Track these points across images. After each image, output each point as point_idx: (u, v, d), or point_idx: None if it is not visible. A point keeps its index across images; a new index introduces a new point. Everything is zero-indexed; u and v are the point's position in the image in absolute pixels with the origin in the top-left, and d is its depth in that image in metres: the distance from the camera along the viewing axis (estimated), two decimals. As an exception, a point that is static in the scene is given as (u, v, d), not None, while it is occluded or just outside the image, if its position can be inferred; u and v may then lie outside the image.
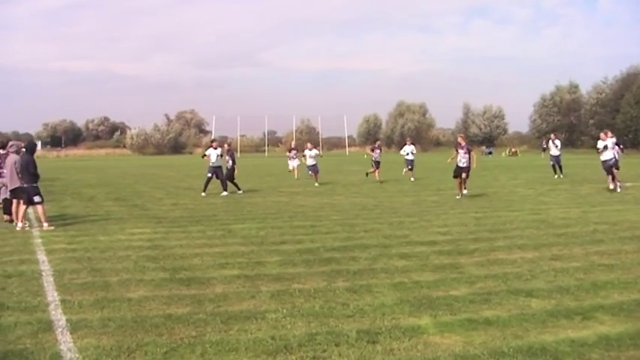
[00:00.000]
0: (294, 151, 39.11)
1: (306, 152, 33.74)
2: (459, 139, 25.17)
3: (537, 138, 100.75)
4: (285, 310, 8.58)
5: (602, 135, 28.29)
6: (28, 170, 16.60)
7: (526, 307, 8.65)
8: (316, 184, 31.28)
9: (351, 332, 7.56)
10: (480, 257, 12.22)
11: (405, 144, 36.74)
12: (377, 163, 33.48)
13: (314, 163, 32.99)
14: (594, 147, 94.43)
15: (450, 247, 13.24)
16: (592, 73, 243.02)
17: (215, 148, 27.48)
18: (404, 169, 36.53)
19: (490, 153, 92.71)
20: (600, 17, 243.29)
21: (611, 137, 28.28)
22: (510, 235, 14.80)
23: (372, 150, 34.58)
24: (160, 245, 13.88)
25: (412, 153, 35.55)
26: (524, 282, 10.13)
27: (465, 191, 24.24)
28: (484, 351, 6.87)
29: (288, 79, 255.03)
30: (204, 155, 28.17)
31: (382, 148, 38.06)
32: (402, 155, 37.01)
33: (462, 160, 24.14)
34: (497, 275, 10.60)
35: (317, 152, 34.19)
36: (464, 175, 24.09)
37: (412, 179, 34.13)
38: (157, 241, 14.51)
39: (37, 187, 16.76)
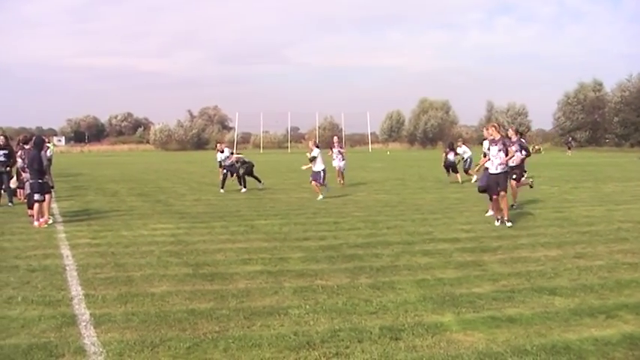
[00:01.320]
0: (337, 148, 29.38)
1: (314, 153, 23.79)
2: (491, 130, 16.53)
3: (561, 135, 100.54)
4: (307, 306, 8.60)
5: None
6: (33, 166, 16.56)
7: (549, 306, 8.61)
8: (320, 198, 22.93)
9: (373, 329, 7.57)
10: (504, 255, 12.17)
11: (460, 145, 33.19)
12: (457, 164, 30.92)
13: (319, 169, 23.57)
14: (618, 145, 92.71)
15: (474, 245, 13.19)
16: (616, 70, 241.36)
17: (222, 151, 27.03)
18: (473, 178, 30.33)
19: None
20: (625, 14, 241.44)
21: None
22: (534, 232, 14.72)
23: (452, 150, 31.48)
24: (183, 241, 13.95)
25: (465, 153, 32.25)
26: (548, 280, 10.08)
27: (505, 219, 15.85)
28: (507, 349, 6.86)
29: (310, 76, 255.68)
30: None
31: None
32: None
33: (494, 162, 16.00)
34: (521, 273, 10.55)
35: (318, 151, 23.78)
36: (498, 188, 15.84)
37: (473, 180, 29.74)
38: (180, 236, 14.58)
39: (41, 184, 16.59)
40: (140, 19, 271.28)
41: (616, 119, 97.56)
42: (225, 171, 26.71)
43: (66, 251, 12.77)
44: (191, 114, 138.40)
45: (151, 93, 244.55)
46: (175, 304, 8.76)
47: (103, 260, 11.80)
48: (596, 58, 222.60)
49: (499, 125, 17.31)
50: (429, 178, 32.67)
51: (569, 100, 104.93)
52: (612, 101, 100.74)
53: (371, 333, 7.42)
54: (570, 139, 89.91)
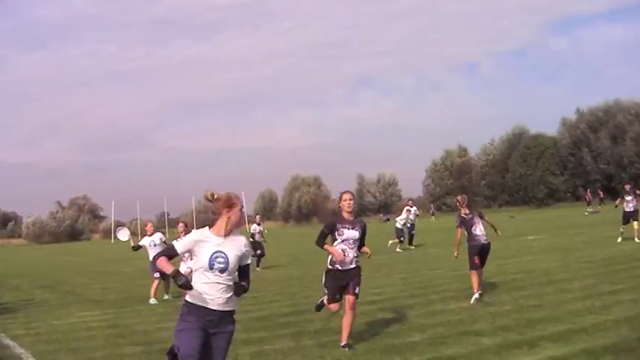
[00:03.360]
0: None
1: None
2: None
3: (431, 202, 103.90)
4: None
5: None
6: None
7: (479, 344, 9.93)
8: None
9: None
10: (421, 310, 13.43)
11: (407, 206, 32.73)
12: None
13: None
14: (487, 206, 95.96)
15: (391, 304, 14.38)
16: (478, 135, 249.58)
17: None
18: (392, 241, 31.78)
19: (387, 220, 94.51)
20: (479, 82, 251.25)
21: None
22: (440, 289, 16.06)
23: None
24: (119, 324, 14.35)
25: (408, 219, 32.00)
26: (469, 325, 11.40)
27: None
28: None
29: (180, 160, 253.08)
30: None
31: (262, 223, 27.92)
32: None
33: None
34: (443, 322, 11.82)
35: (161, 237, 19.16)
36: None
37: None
38: (112, 320, 14.97)
39: None
40: (4, 110, 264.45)
41: (483, 182, 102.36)
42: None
43: (8, 342, 12.88)
44: (60, 205, 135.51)
45: (17, 185, 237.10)
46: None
47: (53, 347, 12.00)
48: (458, 125, 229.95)
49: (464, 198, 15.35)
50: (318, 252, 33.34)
51: (437, 167, 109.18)
52: (478, 165, 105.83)
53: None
54: (432, 205, 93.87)
